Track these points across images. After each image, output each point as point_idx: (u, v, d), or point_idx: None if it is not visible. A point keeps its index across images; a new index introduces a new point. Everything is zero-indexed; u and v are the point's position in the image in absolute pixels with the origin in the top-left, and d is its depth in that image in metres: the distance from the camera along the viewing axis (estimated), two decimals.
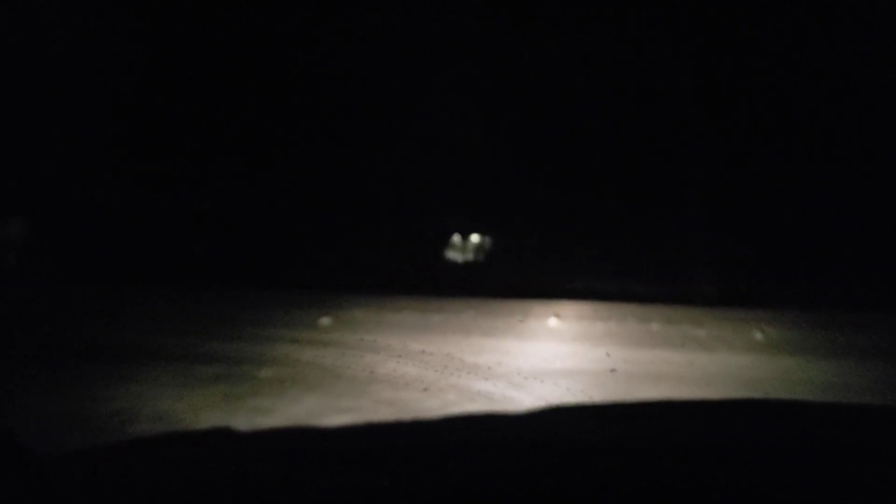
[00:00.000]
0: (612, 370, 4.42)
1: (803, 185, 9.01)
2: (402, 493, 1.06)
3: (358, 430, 1.40)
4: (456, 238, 11.65)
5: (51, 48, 9.75)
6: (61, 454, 1.24)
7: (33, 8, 9.81)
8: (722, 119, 9.78)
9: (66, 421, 3.17)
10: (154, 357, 4.46)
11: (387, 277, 8.88)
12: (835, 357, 4.97)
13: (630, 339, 5.64)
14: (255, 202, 10.51)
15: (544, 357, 4.80)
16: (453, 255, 11.78)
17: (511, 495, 1.05)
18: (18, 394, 3.62)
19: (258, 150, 10.65)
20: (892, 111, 8.85)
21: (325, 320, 5.96)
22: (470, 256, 11.75)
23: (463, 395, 3.83)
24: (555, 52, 10.19)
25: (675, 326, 6.19)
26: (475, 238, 11.75)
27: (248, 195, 10.55)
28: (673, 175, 10.01)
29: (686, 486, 1.07)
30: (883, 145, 8.95)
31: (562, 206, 10.42)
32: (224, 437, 1.33)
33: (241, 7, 10.49)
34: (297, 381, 3.99)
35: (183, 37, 10.42)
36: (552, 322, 6.35)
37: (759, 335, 5.81)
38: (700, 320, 6.49)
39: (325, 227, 10.41)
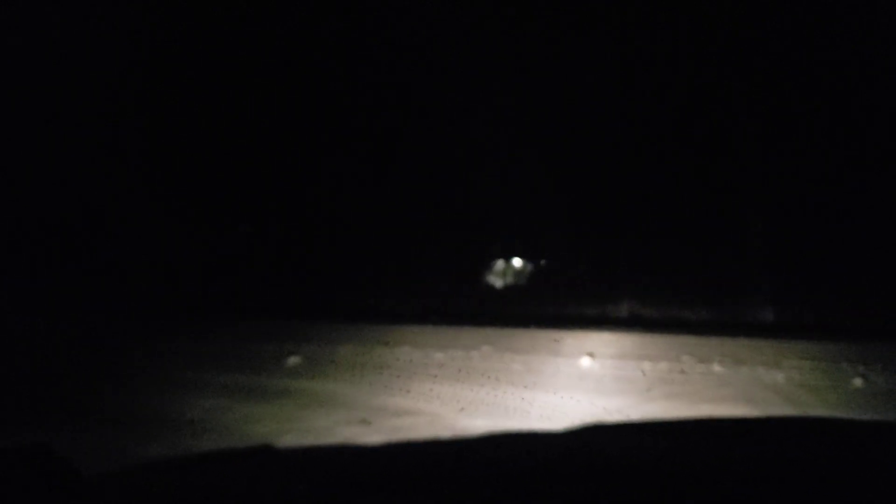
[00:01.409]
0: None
1: (874, 191, 7.34)
2: None
3: (398, 447, 1.39)
4: (498, 262, 10.48)
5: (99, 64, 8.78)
6: (105, 473, 1.19)
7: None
8: (779, 129, 8.25)
9: None
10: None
11: (406, 304, 7.63)
12: None
13: (686, 389, 4.07)
14: (267, 220, 9.20)
15: (567, 422, 3.30)
16: (493, 280, 10.46)
17: None
18: None
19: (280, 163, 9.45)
20: None
21: (293, 360, 4.54)
22: (511, 281, 10.39)
23: None
24: (605, 74, 8.90)
25: (743, 368, 4.61)
26: (517, 262, 10.48)
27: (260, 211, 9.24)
28: (725, 187, 8.52)
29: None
30: None
31: (608, 225, 9.05)
32: (267, 454, 1.34)
33: (293, 32, 9.37)
34: None
35: (223, 52, 9.34)
36: (585, 363, 4.82)
37: (858, 381, 4.21)
38: (774, 359, 4.88)
39: (346, 249, 9.10)
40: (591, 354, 4.95)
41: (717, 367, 4.65)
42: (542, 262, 9.91)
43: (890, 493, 1.07)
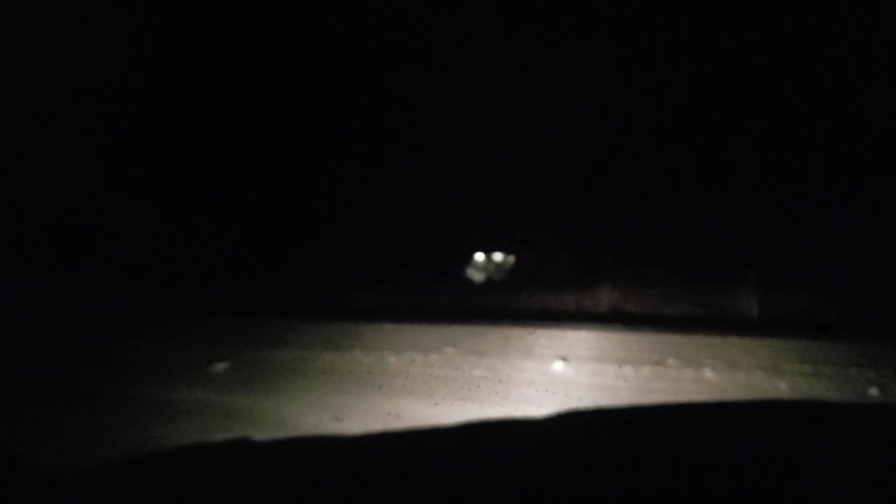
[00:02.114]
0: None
1: (874, 183, 6.71)
2: None
3: (374, 439, 1.28)
4: (478, 256, 9.92)
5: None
6: (72, 473, 1.11)
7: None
8: (771, 120, 7.66)
9: None
10: None
11: (371, 299, 7.03)
12: None
13: (675, 401, 3.42)
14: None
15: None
16: (472, 275, 9.88)
17: None
18: None
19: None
20: None
21: (219, 366, 3.84)
22: (491, 275, 9.82)
23: None
24: (586, 67, 8.33)
25: (739, 374, 3.96)
26: (498, 256, 9.90)
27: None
28: (711, 173, 7.92)
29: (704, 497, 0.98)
30: None
31: (590, 216, 8.46)
32: (240, 450, 1.25)
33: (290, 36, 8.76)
34: None
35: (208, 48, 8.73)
36: (557, 367, 4.14)
37: (874, 391, 3.58)
38: (771, 362, 4.23)
39: (310, 240, 8.42)
40: (564, 358, 4.27)
41: (708, 373, 3.99)
42: (520, 254, 9.30)
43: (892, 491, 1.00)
